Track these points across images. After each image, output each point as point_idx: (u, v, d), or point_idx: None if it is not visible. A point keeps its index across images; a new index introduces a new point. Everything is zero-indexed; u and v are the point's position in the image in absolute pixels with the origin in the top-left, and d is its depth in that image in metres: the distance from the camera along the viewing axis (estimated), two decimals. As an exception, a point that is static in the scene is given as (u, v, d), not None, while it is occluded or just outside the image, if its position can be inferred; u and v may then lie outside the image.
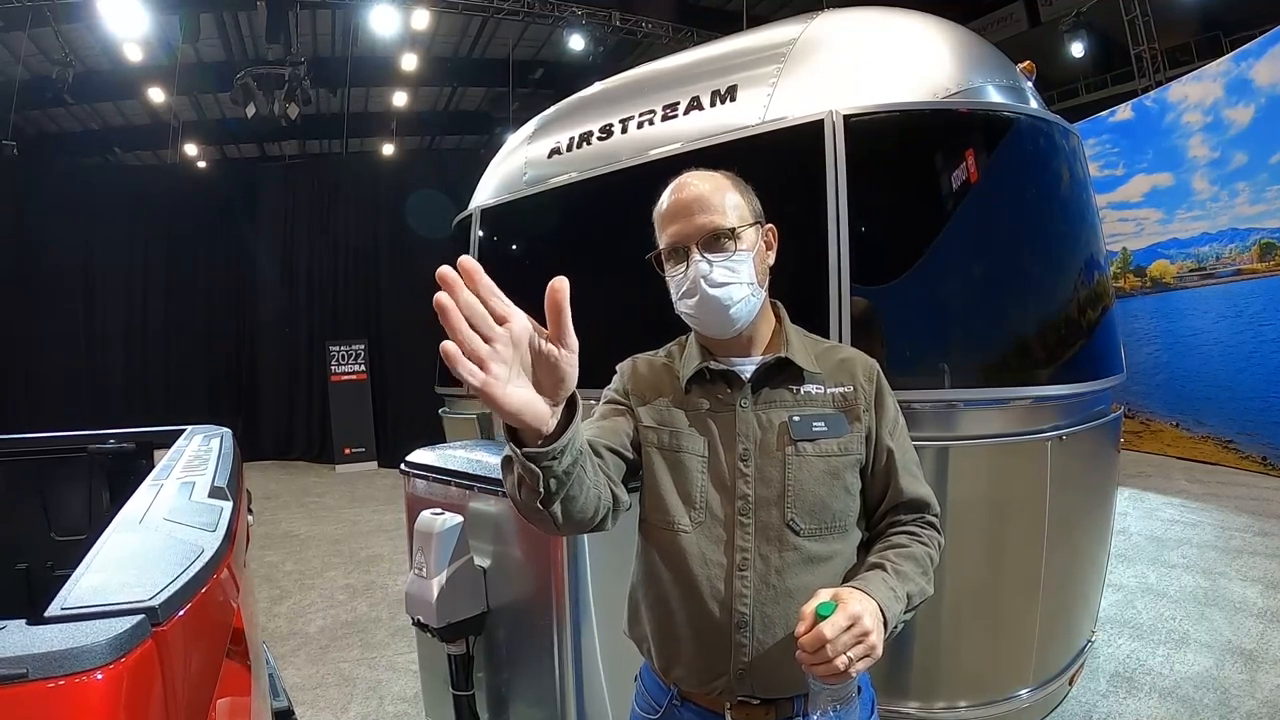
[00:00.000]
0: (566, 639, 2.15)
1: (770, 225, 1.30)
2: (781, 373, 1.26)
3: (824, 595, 1.04)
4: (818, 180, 2.35)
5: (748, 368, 1.26)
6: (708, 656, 1.20)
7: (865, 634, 1.01)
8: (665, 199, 1.27)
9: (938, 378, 2.28)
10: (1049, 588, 2.39)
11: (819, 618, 1.00)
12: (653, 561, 1.28)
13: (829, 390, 1.26)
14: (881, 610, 1.05)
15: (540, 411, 0.87)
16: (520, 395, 0.85)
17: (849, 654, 0.99)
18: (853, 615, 1.01)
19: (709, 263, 1.21)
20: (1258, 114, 7.11)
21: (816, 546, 1.20)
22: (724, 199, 1.23)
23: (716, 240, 1.21)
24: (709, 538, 1.22)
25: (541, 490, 0.96)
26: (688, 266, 1.22)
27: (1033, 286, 2.48)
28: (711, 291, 1.21)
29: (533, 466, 0.93)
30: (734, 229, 1.22)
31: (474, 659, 2.41)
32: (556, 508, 1.01)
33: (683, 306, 1.25)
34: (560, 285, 0.82)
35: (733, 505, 1.21)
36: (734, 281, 1.22)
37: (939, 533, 1.28)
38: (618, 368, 1.37)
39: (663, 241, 1.26)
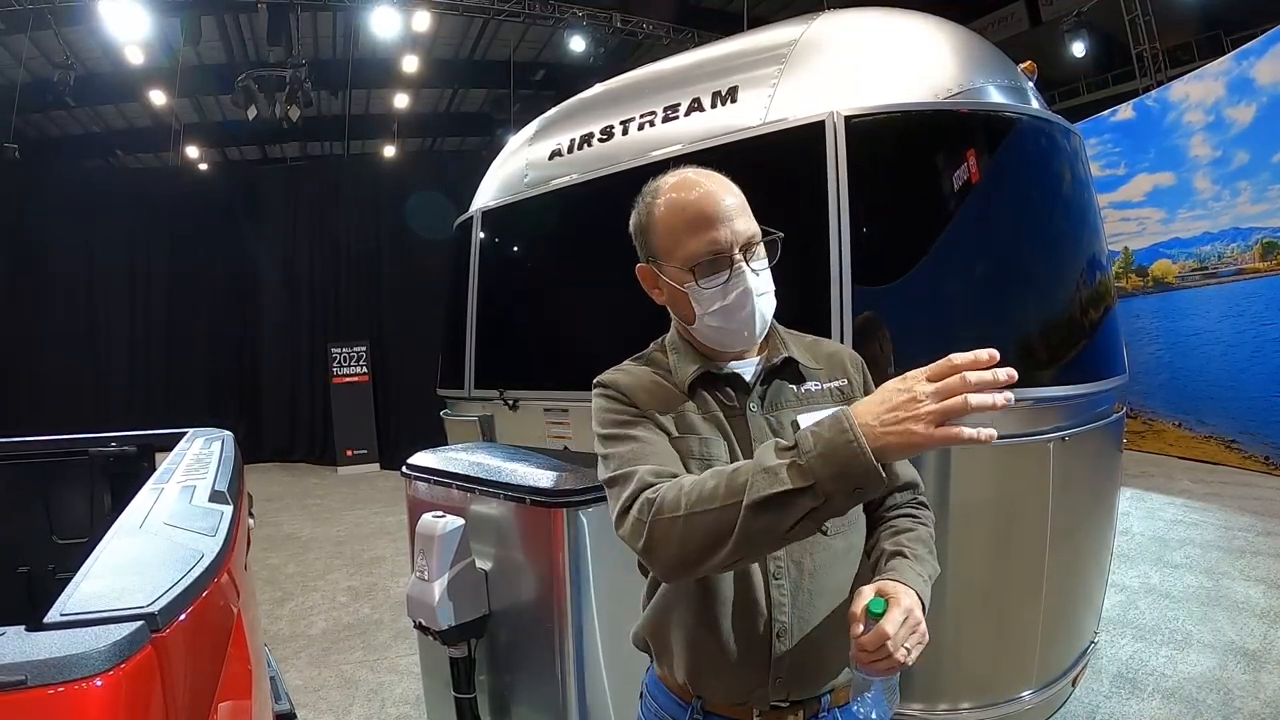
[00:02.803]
0: (569, 641, 2.15)
1: None
2: (782, 373, 1.23)
3: (868, 593, 1.04)
4: (819, 181, 2.35)
5: (748, 370, 1.23)
6: (746, 669, 1.17)
7: (918, 623, 1.02)
8: (678, 202, 1.18)
9: (939, 379, 2.27)
10: (1052, 589, 2.39)
11: (872, 616, 1.00)
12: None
13: (826, 385, 1.24)
14: (920, 597, 1.07)
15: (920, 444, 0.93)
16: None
17: (906, 645, 1.00)
18: (907, 609, 1.01)
19: (755, 272, 1.15)
20: (1259, 113, 7.10)
21: (840, 543, 1.20)
22: (742, 200, 1.19)
23: (753, 247, 1.16)
24: None
25: (811, 513, 0.93)
26: (729, 278, 1.14)
27: (1034, 287, 2.47)
28: (759, 302, 1.16)
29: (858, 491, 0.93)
30: (771, 236, 1.19)
31: (476, 662, 2.41)
32: (777, 544, 1.05)
33: (717, 320, 1.17)
34: None
35: None
36: (769, 290, 1.19)
37: (930, 510, 1.29)
38: (601, 393, 1.23)
39: (692, 248, 1.15)
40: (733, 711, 1.20)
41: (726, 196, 1.17)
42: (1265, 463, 7.00)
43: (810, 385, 1.23)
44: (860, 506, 1.23)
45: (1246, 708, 2.98)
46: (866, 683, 1.05)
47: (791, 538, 0.97)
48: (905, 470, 1.27)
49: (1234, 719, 2.92)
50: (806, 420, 1.17)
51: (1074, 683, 2.64)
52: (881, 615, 1.00)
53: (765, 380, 1.22)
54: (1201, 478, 6.99)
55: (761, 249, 1.18)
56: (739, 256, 1.15)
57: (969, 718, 2.37)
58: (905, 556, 1.14)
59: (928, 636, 1.03)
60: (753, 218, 1.19)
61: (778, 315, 1.31)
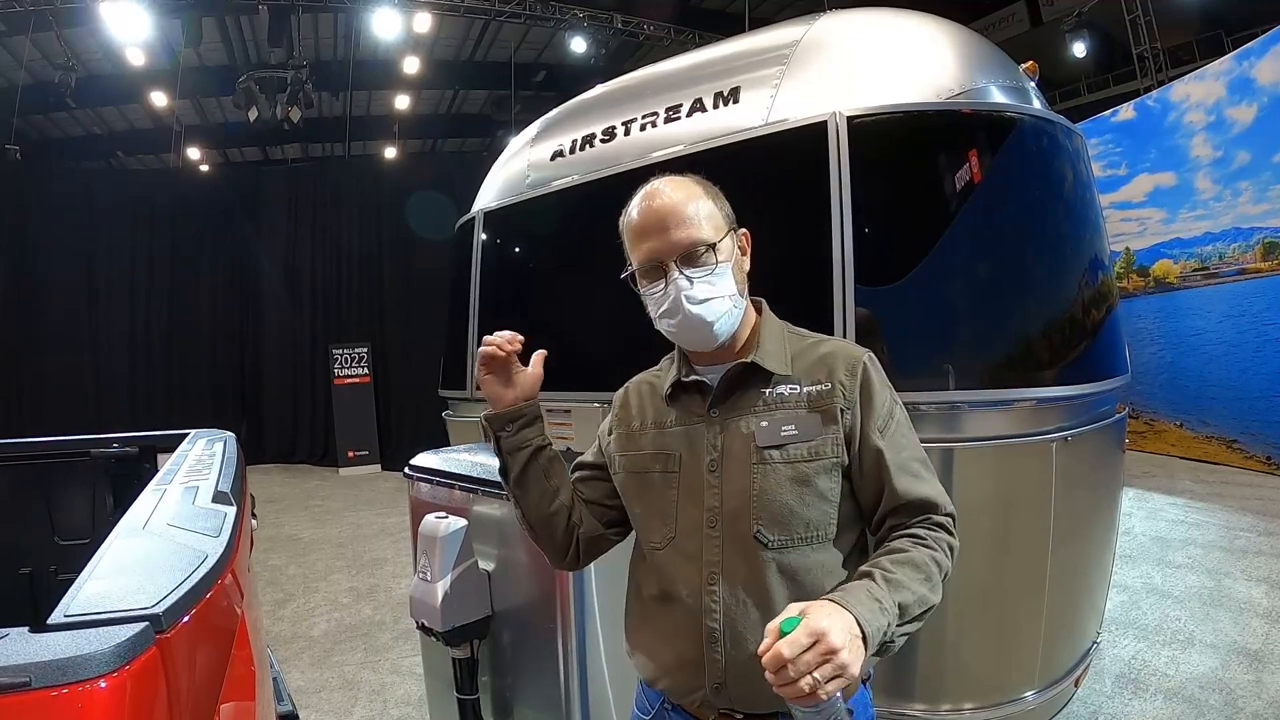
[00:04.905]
0: (571, 642, 2.15)
1: (744, 230, 1.26)
2: (751, 377, 1.22)
3: (793, 610, 0.94)
4: (821, 182, 2.34)
5: (713, 377, 1.24)
6: (685, 670, 1.20)
7: (831, 652, 0.88)
8: (634, 211, 1.23)
9: (942, 379, 2.27)
10: (1054, 589, 2.38)
11: (781, 634, 0.90)
12: (636, 578, 1.32)
13: (803, 389, 1.20)
14: (860, 624, 0.94)
15: (499, 395, 1.35)
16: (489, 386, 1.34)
17: (815, 674, 0.87)
18: (815, 631, 0.89)
19: (689, 279, 1.17)
20: (1260, 113, 7.10)
21: (791, 558, 1.15)
22: (697, 209, 1.19)
23: (695, 255, 1.17)
24: (681, 552, 1.21)
25: (499, 463, 1.34)
26: (666, 285, 1.18)
27: (1036, 287, 2.47)
28: (694, 309, 1.17)
29: (491, 432, 1.33)
30: (713, 243, 1.18)
31: (478, 663, 2.40)
32: (516, 493, 1.34)
33: (664, 325, 1.22)
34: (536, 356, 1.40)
35: (702, 517, 1.19)
36: (716, 296, 1.18)
37: (950, 534, 1.16)
38: (615, 396, 1.40)
39: (636, 258, 1.22)
40: (692, 710, 1.23)
41: (686, 205, 1.19)
42: (1267, 463, 7.00)
43: (782, 388, 1.20)
44: (830, 518, 1.17)
45: (1249, 707, 2.97)
46: (799, 714, 0.92)
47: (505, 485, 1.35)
48: (914, 489, 1.16)
49: (1236, 719, 2.92)
50: (764, 426, 1.18)
51: (1076, 683, 2.64)
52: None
53: (729, 385, 1.22)
54: (1203, 478, 6.98)
55: (712, 254, 1.17)
56: (674, 266, 1.17)
57: (971, 718, 2.37)
58: (873, 579, 1.04)
59: (852, 671, 0.89)
60: (715, 224, 1.20)
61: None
